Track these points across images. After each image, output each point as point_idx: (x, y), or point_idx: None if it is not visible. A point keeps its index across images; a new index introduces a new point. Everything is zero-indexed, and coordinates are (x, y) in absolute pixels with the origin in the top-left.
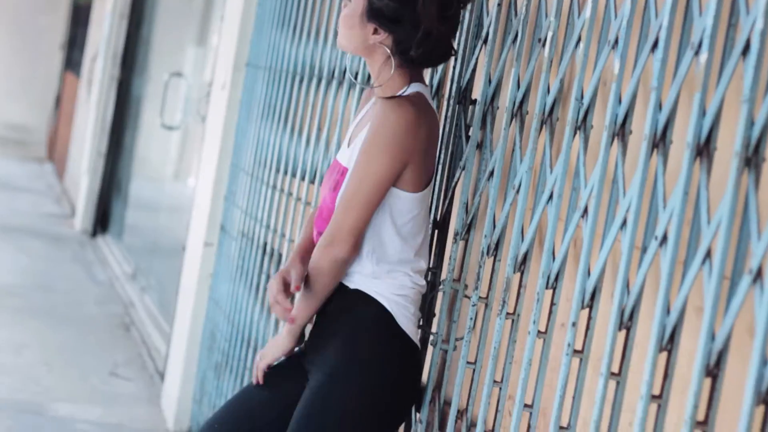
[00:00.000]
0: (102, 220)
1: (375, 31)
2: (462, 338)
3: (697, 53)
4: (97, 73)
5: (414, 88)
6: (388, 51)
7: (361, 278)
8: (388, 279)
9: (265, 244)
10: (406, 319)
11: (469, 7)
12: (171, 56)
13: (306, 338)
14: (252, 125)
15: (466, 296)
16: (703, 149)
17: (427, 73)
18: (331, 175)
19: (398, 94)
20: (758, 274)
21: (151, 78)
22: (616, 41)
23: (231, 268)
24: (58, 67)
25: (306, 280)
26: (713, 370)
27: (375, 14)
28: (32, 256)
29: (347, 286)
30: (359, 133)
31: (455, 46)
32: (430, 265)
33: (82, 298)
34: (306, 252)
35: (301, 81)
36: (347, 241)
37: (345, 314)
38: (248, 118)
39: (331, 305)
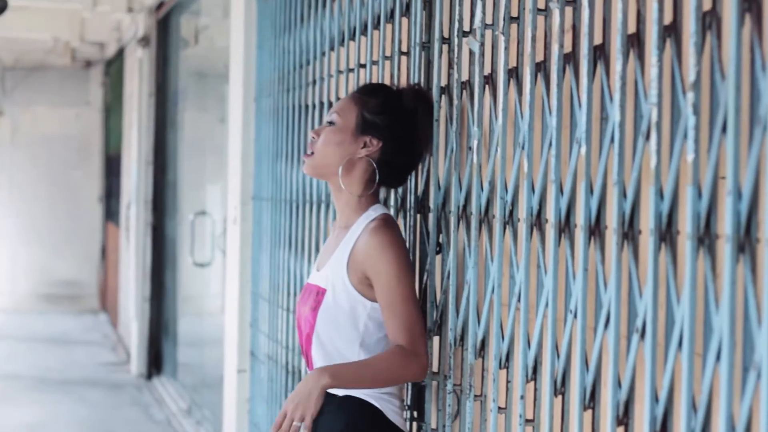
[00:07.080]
0: (156, 362)
1: (365, 145)
2: (445, 425)
3: (580, 146)
4: (132, 220)
5: (379, 209)
6: (374, 164)
7: None
8: None
9: (287, 364)
10: (394, 413)
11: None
12: (196, 196)
13: None
14: (264, 254)
15: (445, 386)
16: (595, 229)
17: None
18: (308, 296)
19: (368, 215)
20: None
21: (183, 219)
22: (524, 144)
23: (264, 392)
24: (99, 219)
25: (365, 364)
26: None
27: (369, 126)
28: (91, 405)
29: (335, 395)
30: (327, 259)
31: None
32: None
33: None
34: None
35: (298, 207)
36: (426, 354)
37: (340, 423)
38: (260, 247)
39: (324, 416)
